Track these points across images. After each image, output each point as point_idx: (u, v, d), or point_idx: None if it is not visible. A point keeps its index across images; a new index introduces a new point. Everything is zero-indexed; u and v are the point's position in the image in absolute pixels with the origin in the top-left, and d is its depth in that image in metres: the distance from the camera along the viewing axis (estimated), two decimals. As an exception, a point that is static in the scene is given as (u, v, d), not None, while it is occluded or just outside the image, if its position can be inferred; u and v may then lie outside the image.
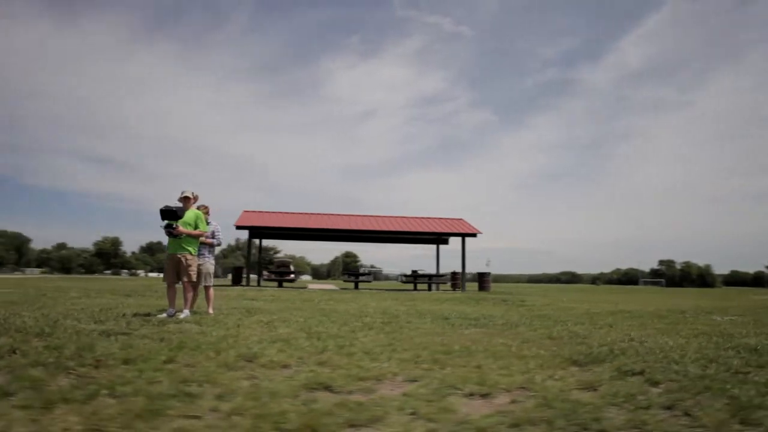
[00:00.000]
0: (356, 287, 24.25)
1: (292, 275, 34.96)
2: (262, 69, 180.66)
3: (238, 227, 23.15)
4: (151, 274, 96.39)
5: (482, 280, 23.57)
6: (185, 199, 7.40)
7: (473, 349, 4.69)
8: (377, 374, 3.48)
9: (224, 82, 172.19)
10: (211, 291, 8.02)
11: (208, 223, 8.01)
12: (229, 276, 30.88)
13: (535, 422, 2.48)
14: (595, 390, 3.19)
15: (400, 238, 27.96)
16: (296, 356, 4.03)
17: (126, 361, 3.58)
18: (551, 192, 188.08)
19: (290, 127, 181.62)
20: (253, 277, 25.97)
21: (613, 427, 2.44)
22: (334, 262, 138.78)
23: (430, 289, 23.43)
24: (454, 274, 25.09)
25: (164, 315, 6.93)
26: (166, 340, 4.64)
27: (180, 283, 7.31)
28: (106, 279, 41.19)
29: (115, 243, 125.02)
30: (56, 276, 58.75)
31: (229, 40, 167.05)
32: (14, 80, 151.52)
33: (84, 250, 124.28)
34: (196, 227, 7.35)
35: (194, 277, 7.31)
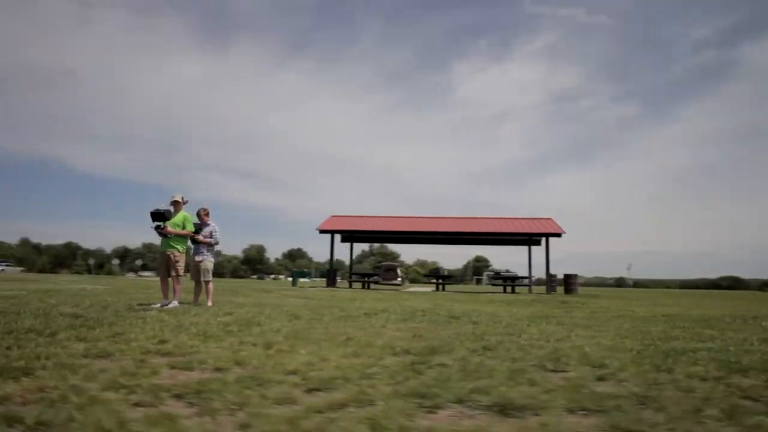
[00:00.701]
0: (441, 289, 24.50)
1: (399, 279, 35.84)
2: (395, 78, 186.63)
3: (322, 231, 24.68)
4: (290, 278, 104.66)
5: (568, 282, 22.36)
6: (175, 203, 8.55)
7: (337, 338, 5.00)
8: (239, 359, 4.03)
9: (360, 93, 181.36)
10: (210, 285, 9.08)
11: (207, 224, 9.10)
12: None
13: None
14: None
15: (489, 240, 27.47)
16: (201, 342, 4.60)
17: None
18: (710, 187, 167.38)
19: (425, 134, 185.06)
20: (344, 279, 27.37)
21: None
22: (466, 266, 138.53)
23: (513, 291, 22.83)
24: (549, 276, 24.18)
25: (158, 305, 8.08)
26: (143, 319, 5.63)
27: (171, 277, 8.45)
28: (237, 281, 45.52)
29: (260, 250, 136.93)
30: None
31: (363, 53, 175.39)
32: (176, 107, 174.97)
33: (234, 257, 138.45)
34: (183, 227, 8.45)
35: (181, 272, 8.40)
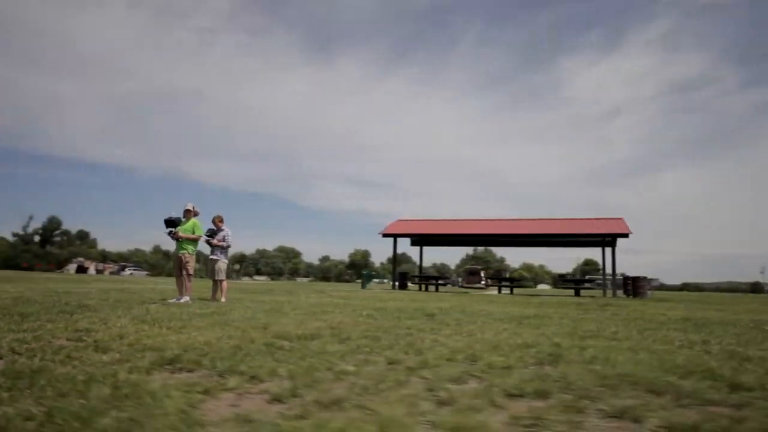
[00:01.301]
0: (510, 292, 24.26)
1: (482, 282, 35.84)
2: (498, 79, 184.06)
3: (385, 235, 25.46)
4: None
5: (636, 285, 21.03)
6: (186, 212, 9.77)
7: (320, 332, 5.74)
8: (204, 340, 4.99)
9: (463, 97, 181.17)
10: (224, 284, 10.22)
11: (221, 230, 10.27)
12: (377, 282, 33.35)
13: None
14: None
15: (560, 242, 26.54)
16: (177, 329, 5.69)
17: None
18: None
19: (531, 134, 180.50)
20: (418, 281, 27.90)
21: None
22: (576, 269, 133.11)
23: (577, 293, 21.99)
24: (625, 278, 23.03)
25: (174, 300, 9.34)
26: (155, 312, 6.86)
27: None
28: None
29: (365, 255, 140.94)
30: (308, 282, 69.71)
31: (464, 55, 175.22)
32: (290, 120, 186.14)
33: (340, 262, 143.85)
34: (193, 233, 9.65)
35: (191, 271, 9.59)
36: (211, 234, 10.28)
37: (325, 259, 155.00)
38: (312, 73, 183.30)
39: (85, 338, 4.28)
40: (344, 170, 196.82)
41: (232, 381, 2.86)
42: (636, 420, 2.29)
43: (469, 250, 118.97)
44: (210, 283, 10.56)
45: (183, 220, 9.76)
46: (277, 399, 2.52)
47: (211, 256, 10.37)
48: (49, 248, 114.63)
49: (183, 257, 9.59)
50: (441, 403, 2.51)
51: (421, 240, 27.32)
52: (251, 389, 2.73)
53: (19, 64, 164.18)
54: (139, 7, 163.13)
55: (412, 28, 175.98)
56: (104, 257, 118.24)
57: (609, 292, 23.05)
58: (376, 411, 2.28)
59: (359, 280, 41.03)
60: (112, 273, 68.92)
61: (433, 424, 2.15)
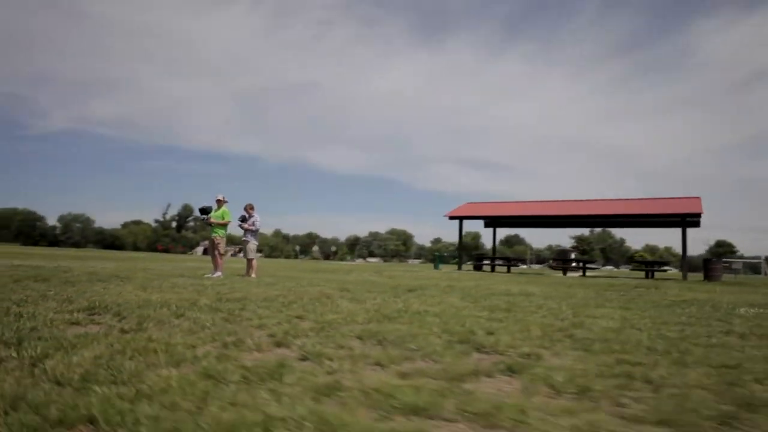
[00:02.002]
0: (564, 273, 24.11)
1: (573, 264, 35.60)
2: (623, 48, 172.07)
3: (451, 218, 26.15)
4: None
5: (708, 267, 19.75)
6: (217, 201, 11.60)
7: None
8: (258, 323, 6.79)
9: (584, 70, 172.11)
10: (254, 262, 11.96)
11: (252, 216, 12.02)
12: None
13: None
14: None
15: (634, 222, 25.34)
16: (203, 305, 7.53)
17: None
18: None
19: (661, 106, 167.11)
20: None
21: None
22: (708, 251, 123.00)
23: (649, 276, 21.16)
24: (704, 261, 21.81)
25: (211, 275, 11.25)
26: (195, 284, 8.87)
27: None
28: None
29: (476, 237, 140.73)
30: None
31: (584, 25, 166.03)
32: (403, 105, 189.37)
33: (451, 244, 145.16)
34: (222, 218, 11.46)
35: (222, 251, 11.42)
36: (243, 219, 12.08)
37: (436, 241, 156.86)
38: (424, 58, 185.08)
39: (60, 295, 6.02)
40: (459, 152, 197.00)
41: (106, 318, 4.32)
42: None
43: (585, 232, 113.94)
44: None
45: (215, 208, 11.63)
46: (124, 331, 3.91)
47: (243, 238, 12.19)
48: (184, 233, 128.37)
49: (214, 239, 11.48)
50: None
51: (493, 222, 27.68)
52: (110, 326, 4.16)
53: (158, 70, 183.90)
54: (259, 6, 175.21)
55: (524, 3, 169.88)
56: (230, 241, 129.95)
57: (686, 275, 21.89)
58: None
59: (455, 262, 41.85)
60: (232, 255, 76.01)
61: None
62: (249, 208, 12.22)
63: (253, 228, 12.19)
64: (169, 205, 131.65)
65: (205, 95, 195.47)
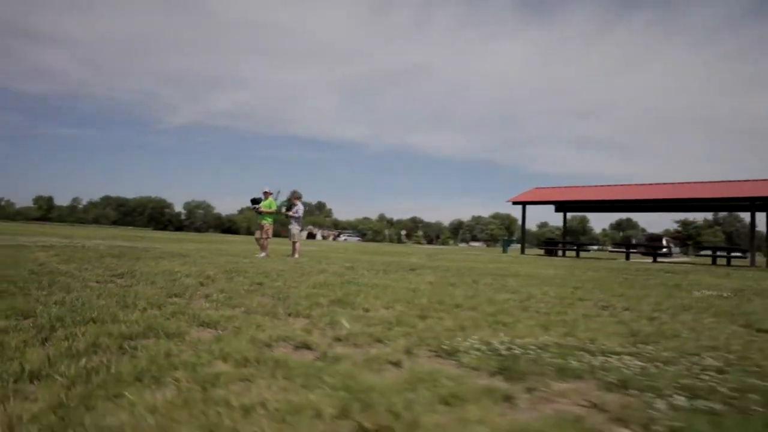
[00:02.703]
0: (627, 258, 23.91)
1: (665, 249, 34.87)
2: (750, 14, 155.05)
3: (515, 203, 26.66)
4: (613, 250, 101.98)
5: None
6: (265, 193, 13.76)
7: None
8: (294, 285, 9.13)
9: (711, 36, 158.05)
10: (297, 245, 14.02)
11: (296, 204, 14.09)
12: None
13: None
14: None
15: (704, 206, 24.15)
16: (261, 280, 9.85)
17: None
18: None
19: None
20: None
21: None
22: None
23: (714, 262, 20.49)
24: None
25: (258, 255, 13.51)
26: (258, 264, 11.29)
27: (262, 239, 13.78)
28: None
29: (583, 220, 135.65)
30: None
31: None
32: (510, 86, 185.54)
33: (558, 228, 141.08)
34: (269, 208, 13.63)
35: (270, 235, 13.59)
36: (288, 208, 14.19)
37: (543, 225, 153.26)
38: (532, 35, 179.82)
39: (118, 269, 8.32)
40: (570, 132, 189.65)
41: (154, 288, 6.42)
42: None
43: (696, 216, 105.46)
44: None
45: (263, 198, 13.82)
46: (176, 294, 5.98)
47: (289, 226, 14.32)
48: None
49: (263, 225, 13.70)
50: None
51: (562, 206, 27.74)
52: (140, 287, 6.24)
53: (272, 63, 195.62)
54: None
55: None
56: (335, 225, 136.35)
57: (757, 262, 20.84)
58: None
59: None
60: (334, 239, 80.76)
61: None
62: (294, 198, 14.31)
63: (296, 215, 14.26)
64: (278, 192, 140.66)
65: (315, 84, 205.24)
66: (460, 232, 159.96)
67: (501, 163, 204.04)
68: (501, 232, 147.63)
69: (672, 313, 5.64)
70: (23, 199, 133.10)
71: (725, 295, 8.16)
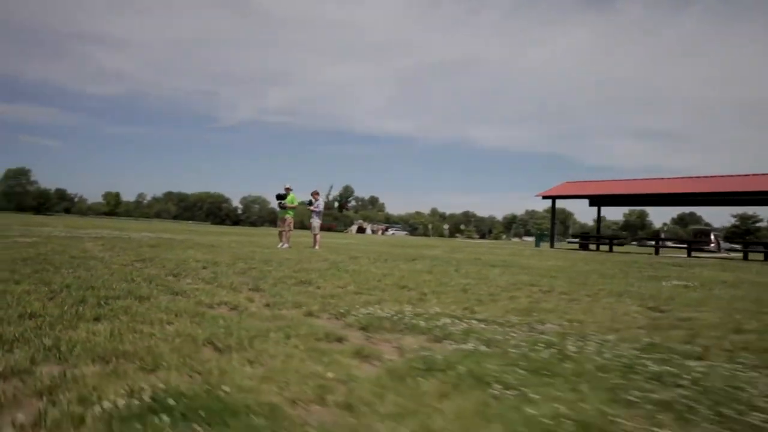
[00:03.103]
0: (656, 252, 23.70)
1: (712, 245, 34.39)
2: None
3: (544, 197, 26.95)
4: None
5: None
6: (287, 189, 15.10)
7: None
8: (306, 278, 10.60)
9: (765, 29, 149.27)
10: (317, 237, 15.29)
11: (316, 201, 15.38)
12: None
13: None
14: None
15: (749, 200, 23.53)
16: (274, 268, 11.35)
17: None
18: None
19: None
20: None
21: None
22: None
23: (745, 258, 20.24)
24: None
25: (279, 245, 14.89)
26: (271, 253, 12.79)
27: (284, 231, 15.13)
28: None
29: (641, 215, 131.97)
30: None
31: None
32: (563, 76, 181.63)
33: (614, 223, 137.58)
34: (292, 203, 14.97)
35: (291, 228, 14.94)
36: (309, 203, 15.50)
37: (601, 219, 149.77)
38: (589, 22, 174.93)
39: (144, 256, 9.80)
40: (627, 124, 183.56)
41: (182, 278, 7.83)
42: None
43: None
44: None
45: (285, 193, 15.19)
46: (206, 282, 7.37)
47: (311, 219, 15.62)
48: (345, 212, 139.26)
49: (286, 219, 15.06)
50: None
51: (596, 201, 27.78)
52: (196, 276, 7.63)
53: (325, 58, 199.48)
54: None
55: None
56: (387, 219, 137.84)
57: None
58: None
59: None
60: (382, 233, 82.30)
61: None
62: (314, 195, 15.60)
63: (316, 210, 15.55)
64: (331, 187, 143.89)
65: (367, 79, 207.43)
66: (513, 226, 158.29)
67: (557, 156, 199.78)
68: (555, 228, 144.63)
69: (601, 297, 6.46)
70: (94, 196, 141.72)
71: (690, 285, 8.76)
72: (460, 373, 2.70)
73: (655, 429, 2.11)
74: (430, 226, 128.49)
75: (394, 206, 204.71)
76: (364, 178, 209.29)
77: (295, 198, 15.36)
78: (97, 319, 3.60)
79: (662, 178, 27.01)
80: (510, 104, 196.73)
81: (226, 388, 2.27)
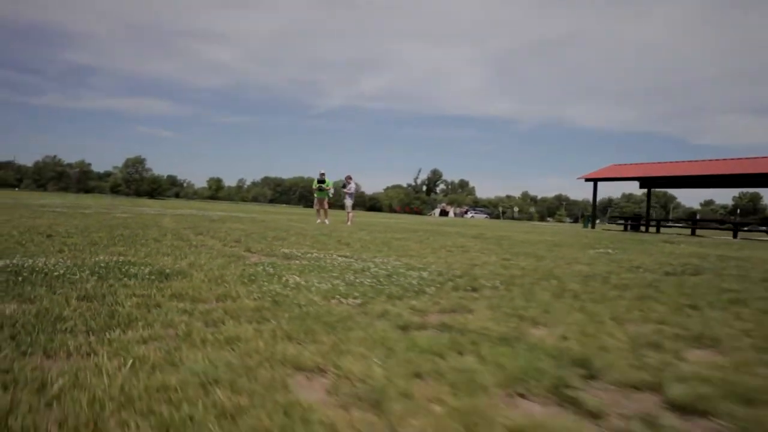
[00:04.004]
0: (693, 233, 24.09)
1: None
2: None
3: (587, 179, 27.91)
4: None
5: None
6: (322, 174, 18.17)
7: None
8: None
9: None
10: (351, 215, 18.27)
11: (350, 183, 18.37)
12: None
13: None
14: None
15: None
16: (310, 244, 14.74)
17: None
18: None
19: None
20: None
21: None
22: None
23: (734, 236, 20.46)
24: None
25: (318, 221, 18.04)
26: (311, 228, 16.19)
27: (322, 210, 18.24)
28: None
29: (755, 197, 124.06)
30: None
31: None
32: (671, 51, 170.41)
33: (723, 206, 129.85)
34: (329, 186, 18.06)
35: (327, 207, 18.04)
36: (344, 186, 18.50)
37: (708, 203, 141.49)
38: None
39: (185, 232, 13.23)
40: (744, 99, 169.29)
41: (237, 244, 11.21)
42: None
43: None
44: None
45: (322, 178, 18.26)
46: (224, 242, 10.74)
47: (344, 200, 18.62)
48: (433, 195, 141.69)
49: (325, 199, 18.17)
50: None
51: (646, 183, 28.29)
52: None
53: (417, 43, 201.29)
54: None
55: None
56: (475, 203, 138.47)
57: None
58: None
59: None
60: (461, 215, 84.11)
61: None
62: (348, 178, 18.56)
63: (349, 191, 18.50)
64: (419, 170, 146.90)
65: (463, 61, 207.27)
66: (608, 210, 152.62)
67: (662, 135, 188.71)
68: (655, 211, 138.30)
69: (485, 252, 8.83)
70: (201, 181, 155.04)
71: (611, 252, 10.76)
72: (270, 270, 5.48)
73: (357, 292, 4.79)
74: (516, 209, 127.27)
75: (485, 190, 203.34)
76: (456, 162, 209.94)
77: (330, 182, 18.41)
78: (120, 246, 6.76)
79: (703, 161, 27.18)
80: (611, 81, 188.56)
81: (168, 269, 5.22)
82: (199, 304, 3.51)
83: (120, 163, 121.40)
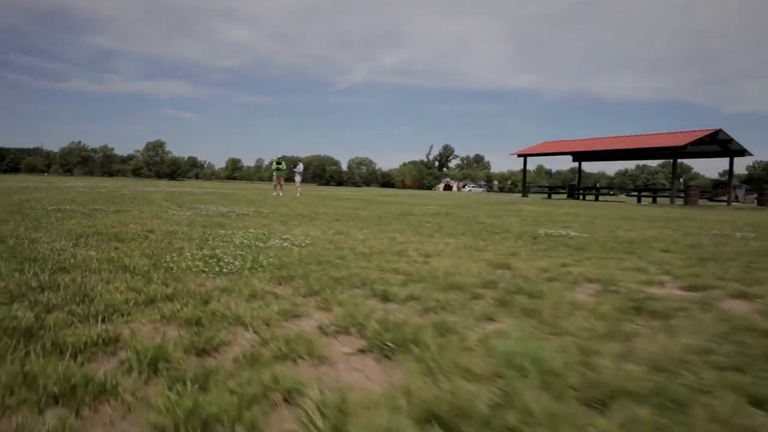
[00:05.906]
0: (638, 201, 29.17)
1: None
2: None
3: (519, 155, 33.02)
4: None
5: (687, 194, 23.84)
6: (281, 158, 23.91)
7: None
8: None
9: None
10: (300, 189, 24.01)
11: (296, 166, 24.18)
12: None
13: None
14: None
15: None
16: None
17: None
18: None
19: None
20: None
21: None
22: None
23: (639, 201, 25.50)
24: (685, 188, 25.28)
25: (274, 194, 23.79)
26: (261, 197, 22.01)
27: (280, 185, 24.02)
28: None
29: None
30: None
31: None
32: (705, 15, 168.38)
33: (738, 176, 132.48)
34: (285, 167, 23.85)
35: (282, 183, 23.84)
36: (294, 166, 24.31)
37: (725, 173, 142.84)
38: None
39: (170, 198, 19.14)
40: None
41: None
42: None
43: None
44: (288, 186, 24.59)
45: (280, 161, 23.96)
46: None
47: (294, 177, 24.36)
48: (445, 171, 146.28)
49: (281, 178, 23.92)
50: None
51: (576, 156, 33.22)
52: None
53: (435, 16, 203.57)
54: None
55: None
56: (488, 178, 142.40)
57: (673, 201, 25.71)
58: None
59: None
60: (459, 189, 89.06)
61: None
62: (297, 162, 24.32)
63: (298, 171, 24.24)
64: (431, 147, 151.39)
65: (484, 34, 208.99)
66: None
67: (693, 104, 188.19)
68: (667, 182, 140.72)
69: (384, 217, 14.39)
70: (221, 162, 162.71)
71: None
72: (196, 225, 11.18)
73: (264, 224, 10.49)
74: (495, 182, 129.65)
75: (501, 164, 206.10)
76: (475, 135, 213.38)
77: (285, 164, 24.13)
78: (107, 203, 12.61)
79: (625, 136, 31.95)
80: (638, 50, 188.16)
81: (150, 229, 11.00)
82: (129, 225, 9.26)
83: (141, 147, 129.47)
